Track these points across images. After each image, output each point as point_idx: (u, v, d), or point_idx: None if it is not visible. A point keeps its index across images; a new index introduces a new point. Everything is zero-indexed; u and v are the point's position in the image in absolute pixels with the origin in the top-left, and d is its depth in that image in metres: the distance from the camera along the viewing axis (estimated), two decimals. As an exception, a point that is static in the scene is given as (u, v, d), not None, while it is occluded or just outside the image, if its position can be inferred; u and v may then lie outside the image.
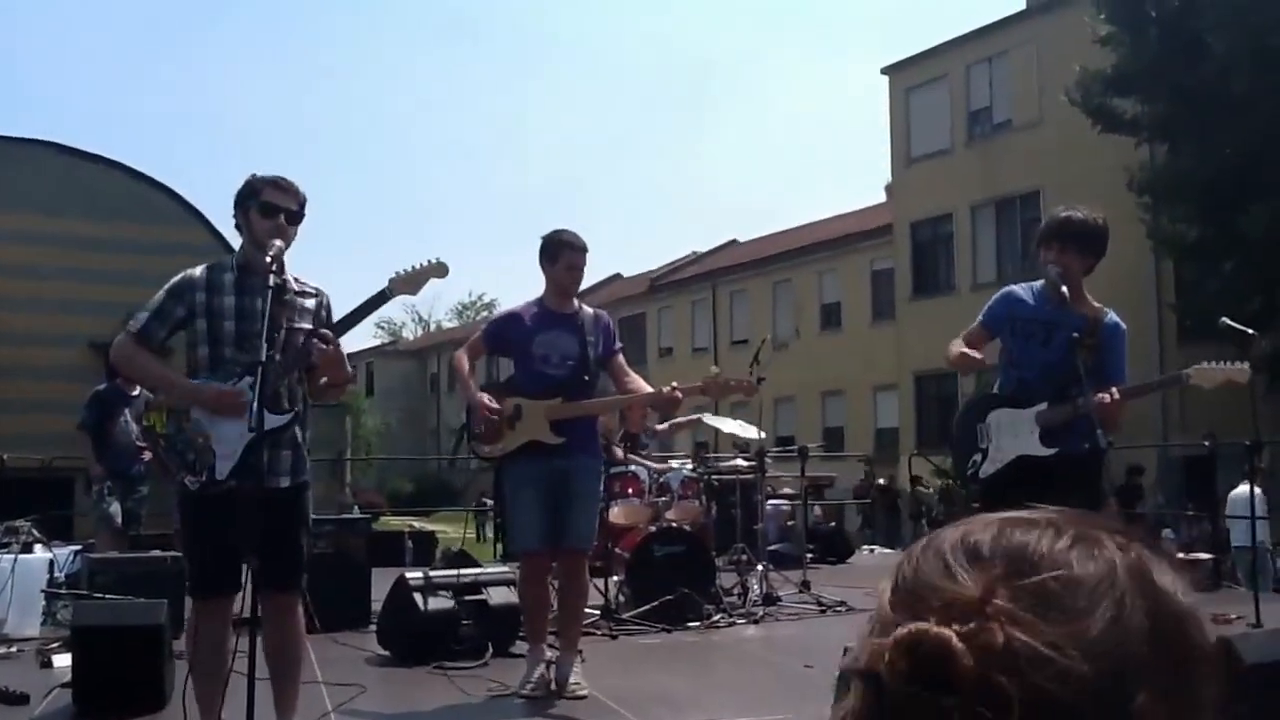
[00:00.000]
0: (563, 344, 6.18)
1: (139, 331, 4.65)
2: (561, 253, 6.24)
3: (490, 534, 25.14)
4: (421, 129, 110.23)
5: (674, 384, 6.15)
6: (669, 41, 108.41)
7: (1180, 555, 11.97)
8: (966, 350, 5.26)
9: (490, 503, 27.30)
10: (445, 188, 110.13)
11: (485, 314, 70.76)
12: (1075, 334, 5.07)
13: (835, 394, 34.94)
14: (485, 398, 6.15)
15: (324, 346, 4.59)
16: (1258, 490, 13.00)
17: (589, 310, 6.39)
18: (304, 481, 4.81)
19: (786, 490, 15.55)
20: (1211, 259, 21.16)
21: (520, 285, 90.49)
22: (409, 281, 4.80)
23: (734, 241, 47.21)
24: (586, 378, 6.21)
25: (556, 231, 6.35)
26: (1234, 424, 16.26)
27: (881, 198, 38.50)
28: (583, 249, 6.29)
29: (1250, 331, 8.48)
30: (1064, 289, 5.11)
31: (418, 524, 21.01)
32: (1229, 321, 8.39)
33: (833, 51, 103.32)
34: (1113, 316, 5.28)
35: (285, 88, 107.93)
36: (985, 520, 0.92)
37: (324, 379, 4.81)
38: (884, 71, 32.66)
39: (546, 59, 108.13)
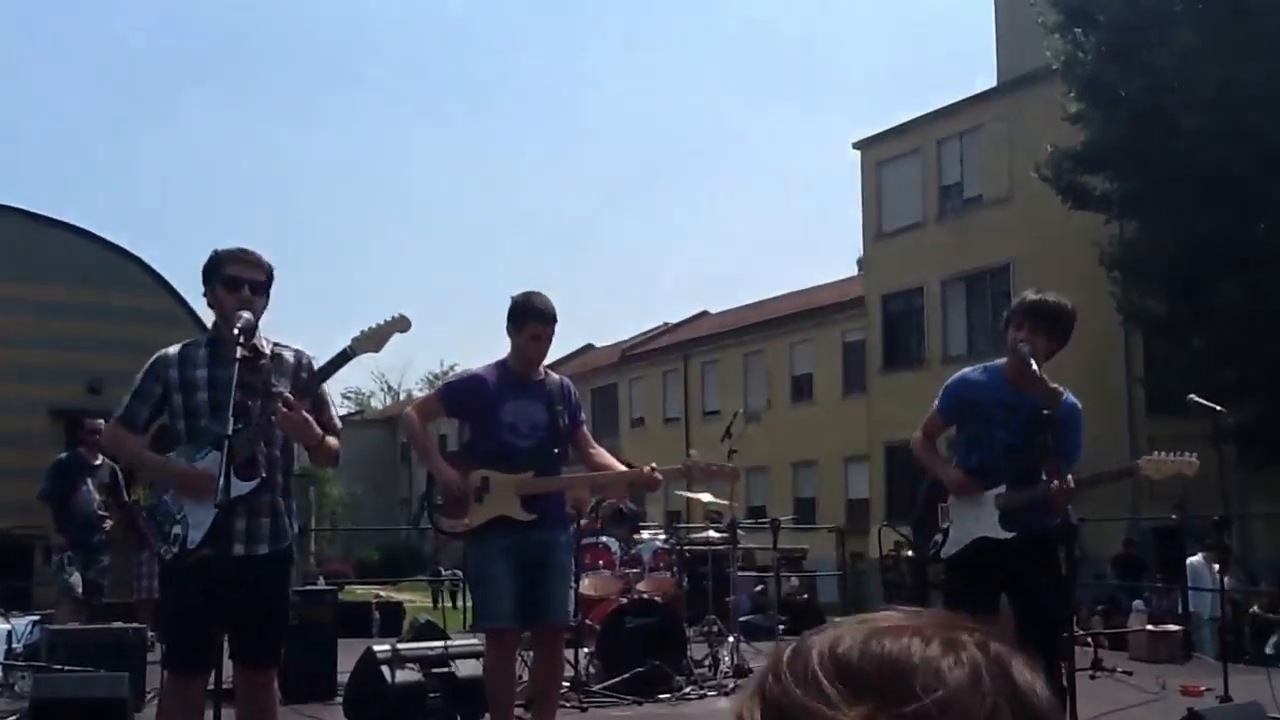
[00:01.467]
0: (531, 412, 5.85)
1: (121, 416, 4.78)
2: (527, 322, 5.86)
3: (448, 601, 25.17)
4: (392, 196, 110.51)
5: (653, 465, 5.87)
6: (643, 114, 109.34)
7: (1151, 627, 12.00)
8: (964, 480, 5.33)
9: (445, 571, 27.40)
10: (415, 257, 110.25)
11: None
12: (1045, 411, 5.04)
13: (807, 465, 34.95)
14: (454, 472, 5.78)
15: (283, 410, 4.55)
16: (1211, 562, 13.22)
17: (555, 377, 6.07)
18: (284, 549, 4.78)
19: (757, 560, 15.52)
20: (1181, 334, 21.33)
21: (489, 353, 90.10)
22: (371, 339, 4.74)
23: (705, 313, 47.38)
24: (556, 449, 5.92)
25: (525, 295, 5.96)
26: (1204, 495, 16.39)
27: (853, 270, 38.76)
28: (549, 318, 5.88)
29: (1219, 409, 8.57)
30: (1035, 366, 5.09)
31: (384, 593, 20.79)
32: (1197, 398, 8.47)
33: (806, 125, 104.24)
34: (1069, 396, 5.28)
35: (253, 161, 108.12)
36: (852, 628, 0.91)
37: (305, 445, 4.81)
38: (856, 146, 32.97)
39: (519, 129, 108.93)
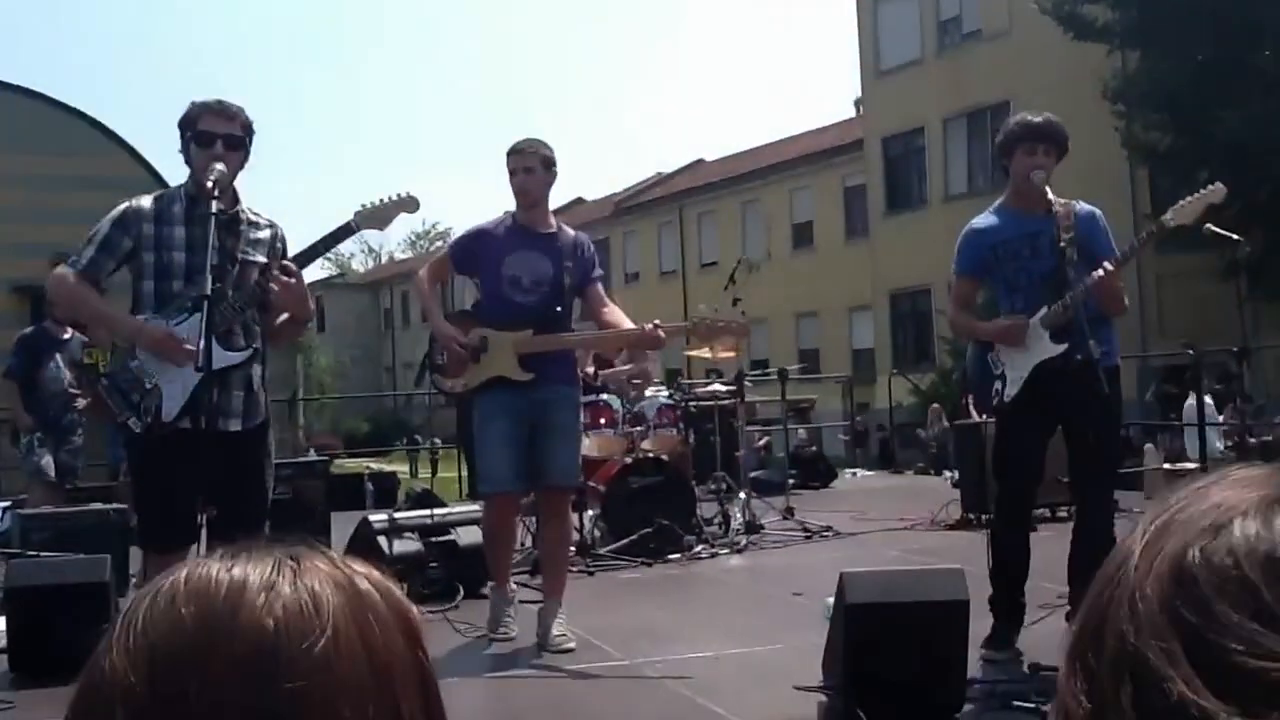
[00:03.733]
0: (536, 266, 5.74)
1: (84, 267, 4.49)
2: (508, 160, 5.83)
3: (427, 470, 25.25)
4: (372, 49, 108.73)
5: (656, 322, 5.64)
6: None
7: (1167, 466, 11.92)
8: (1006, 325, 5.26)
9: (423, 441, 27.33)
10: (397, 111, 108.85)
11: (440, 244, 69.61)
12: (1061, 235, 5.06)
13: (809, 315, 34.77)
14: (452, 329, 5.76)
15: (285, 279, 4.36)
16: (1207, 400, 13.20)
17: (570, 232, 5.94)
18: (259, 425, 4.62)
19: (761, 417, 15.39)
20: (1186, 166, 21.06)
21: (477, 212, 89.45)
22: (375, 217, 4.60)
23: (701, 161, 46.68)
24: (559, 307, 5.79)
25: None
26: (1212, 330, 16.24)
27: (851, 112, 38.16)
28: (522, 151, 5.80)
29: (1235, 236, 8.40)
30: (1050, 193, 5.13)
31: (375, 465, 20.68)
32: (1214, 227, 8.23)
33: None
34: (1082, 205, 5.28)
35: (228, 7, 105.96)
36: (1254, 502, 0.69)
37: (284, 316, 4.61)
38: (850, -19, 32.22)
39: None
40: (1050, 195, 5.11)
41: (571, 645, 5.69)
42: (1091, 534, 5.11)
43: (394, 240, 76.13)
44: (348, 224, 4.57)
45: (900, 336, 30.78)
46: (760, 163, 38.46)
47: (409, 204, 4.63)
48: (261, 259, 4.53)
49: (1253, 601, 0.63)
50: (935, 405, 22.15)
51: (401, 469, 24.02)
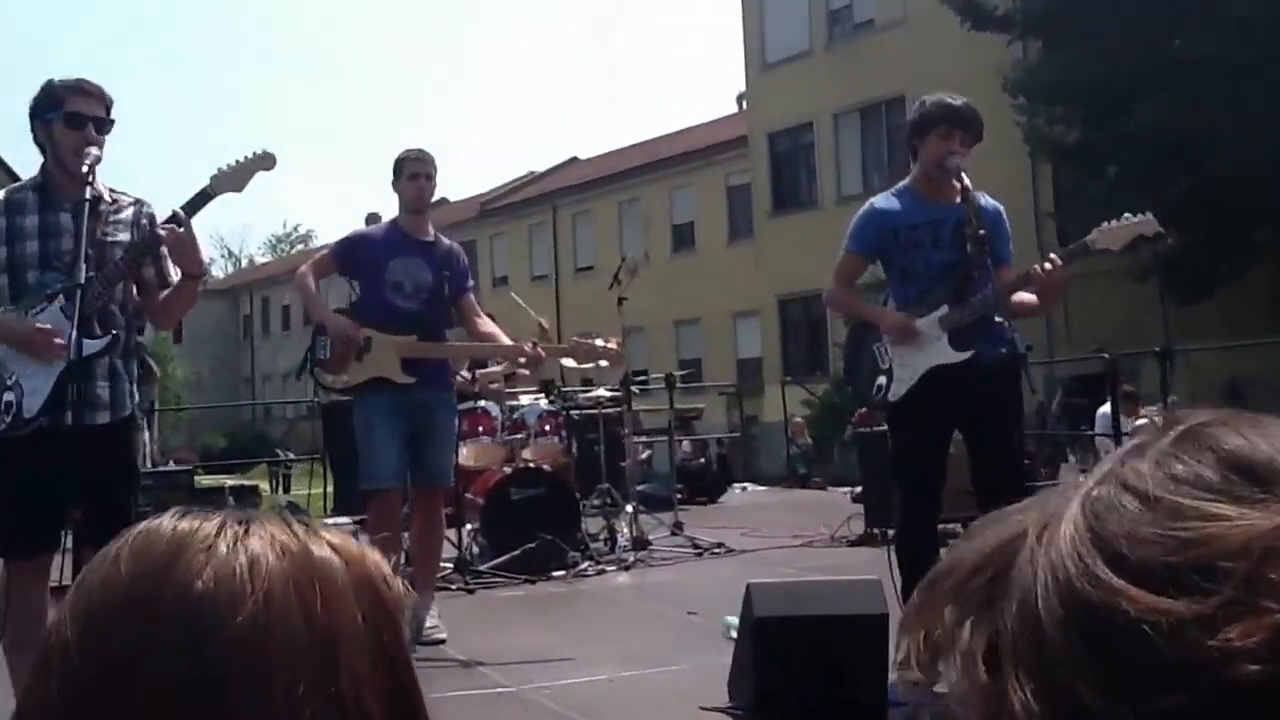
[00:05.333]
0: (417, 273, 6.28)
1: None
2: (403, 166, 6.38)
3: (281, 486, 24.88)
4: (230, 43, 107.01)
5: (534, 342, 6.38)
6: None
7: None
8: (900, 318, 5.16)
9: (283, 454, 27.00)
10: (253, 111, 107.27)
11: (301, 247, 69.25)
12: (974, 226, 4.97)
13: (690, 322, 34.83)
14: (347, 320, 6.19)
15: (177, 229, 4.32)
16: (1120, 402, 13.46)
17: (446, 241, 6.54)
18: (126, 418, 4.57)
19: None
20: (1093, 162, 21.39)
21: (338, 214, 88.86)
22: (232, 178, 4.54)
23: (575, 159, 46.82)
24: (439, 313, 6.36)
25: (403, 151, 6.49)
26: (1125, 335, 16.55)
27: (735, 108, 38.43)
28: (423, 158, 6.43)
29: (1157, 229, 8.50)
30: (967, 181, 5.06)
31: (233, 481, 20.30)
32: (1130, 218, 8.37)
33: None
34: (987, 198, 5.27)
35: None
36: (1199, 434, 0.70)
37: (176, 275, 4.55)
38: (734, -34, 32.43)
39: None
40: (968, 184, 5.04)
41: (443, 636, 6.15)
42: None
43: (254, 243, 75.24)
44: (204, 190, 4.52)
45: (791, 344, 30.96)
46: (638, 160, 38.55)
47: (265, 160, 4.59)
48: (124, 237, 4.51)
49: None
50: (798, 420, 22.52)
51: (266, 485, 23.64)
